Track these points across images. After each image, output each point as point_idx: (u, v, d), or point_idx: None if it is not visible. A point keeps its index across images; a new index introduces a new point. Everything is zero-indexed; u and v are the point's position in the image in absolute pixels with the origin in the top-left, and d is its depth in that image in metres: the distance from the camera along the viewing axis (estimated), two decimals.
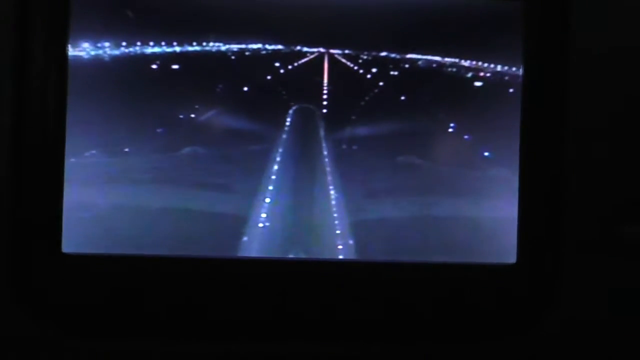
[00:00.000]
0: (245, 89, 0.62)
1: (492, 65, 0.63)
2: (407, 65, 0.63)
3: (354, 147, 0.63)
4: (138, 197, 0.62)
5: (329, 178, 0.63)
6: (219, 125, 0.62)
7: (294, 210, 0.63)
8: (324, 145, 0.63)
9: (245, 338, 0.62)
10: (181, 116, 0.62)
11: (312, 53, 0.62)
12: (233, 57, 0.62)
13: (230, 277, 0.61)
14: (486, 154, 0.63)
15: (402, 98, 0.63)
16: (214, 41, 0.62)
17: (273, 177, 0.63)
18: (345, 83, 0.63)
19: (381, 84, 0.63)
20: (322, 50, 0.62)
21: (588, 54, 0.61)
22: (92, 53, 0.61)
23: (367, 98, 0.63)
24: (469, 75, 0.63)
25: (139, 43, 0.61)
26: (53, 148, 0.60)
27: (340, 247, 0.63)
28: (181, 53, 0.62)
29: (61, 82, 0.60)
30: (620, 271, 0.61)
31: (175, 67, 0.61)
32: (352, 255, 0.63)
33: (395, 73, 0.63)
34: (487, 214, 0.63)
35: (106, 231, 0.61)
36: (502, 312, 0.62)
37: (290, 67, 0.62)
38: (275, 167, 0.63)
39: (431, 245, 0.63)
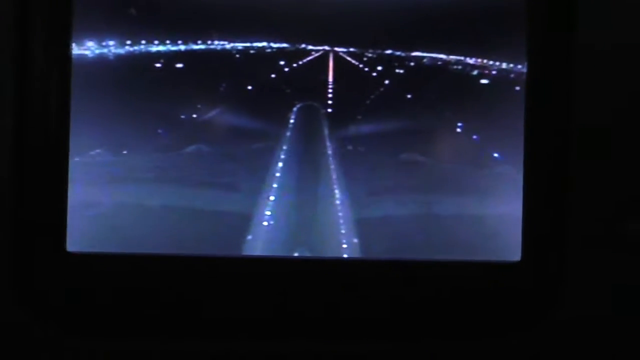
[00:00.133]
0: (250, 87, 0.62)
1: (497, 63, 0.63)
2: (412, 63, 0.63)
3: (359, 146, 0.63)
4: (141, 196, 0.62)
5: (334, 176, 0.63)
6: (223, 124, 0.62)
7: (299, 209, 0.63)
8: (328, 144, 0.63)
9: (249, 337, 0.62)
10: (185, 115, 0.62)
11: (317, 51, 0.62)
12: (238, 56, 0.62)
13: (235, 275, 0.61)
14: (495, 155, 0.63)
15: (409, 96, 0.63)
16: (219, 40, 0.62)
17: (277, 174, 0.63)
18: (350, 81, 0.63)
19: (387, 82, 0.63)
20: (327, 48, 0.62)
21: (592, 51, 0.61)
22: (97, 52, 0.61)
23: (372, 96, 0.63)
24: (475, 72, 0.63)
25: (143, 41, 0.61)
26: (57, 147, 0.60)
27: (344, 245, 0.63)
28: (186, 52, 0.62)
29: (64, 80, 0.60)
30: (625, 268, 0.61)
31: (179, 65, 0.61)
32: (356, 254, 0.63)
33: (401, 71, 0.63)
34: (493, 212, 0.63)
35: (110, 230, 0.61)
36: (507, 309, 0.62)
37: (295, 65, 0.62)
38: (280, 164, 0.63)
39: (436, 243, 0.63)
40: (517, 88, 0.62)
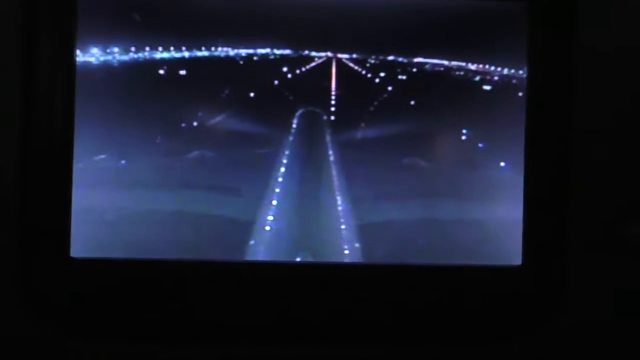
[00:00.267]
0: (253, 94, 0.63)
1: (499, 69, 0.63)
2: (415, 69, 0.63)
3: (363, 154, 0.63)
4: (144, 201, 0.62)
5: (336, 182, 0.64)
6: (227, 129, 0.63)
7: (301, 213, 0.63)
8: (330, 151, 0.63)
9: (252, 341, 0.62)
10: (189, 120, 0.62)
11: (320, 57, 0.63)
12: (241, 62, 0.62)
13: (237, 280, 0.61)
14: (502, 164, 0.64)
15: (412, 103, 0.64)
16: (223, 46, 0.62)
17: (280, 179, 0.63)
18: (353, 88, 0.63)
19: (390, 88, 0.63)
20: (329, 54, 0.62)
21: (593, 55, 0.61)
22: (102, 59, 0.61)
23: (376, 103, 0.63)
24: (477, 78, 0.63)
25: (147, 48, 0.61)
26: (61, 153, 0.60)
27: (346, 251, 0.63)
28: (190, 58, 0.62)
29: (69, 86, 0.60)
30: (626, 271, 0.61)
31: (183, 72, 0.62)
32: (358, 258, 0.63)
33: (404, 77, 0.63)
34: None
35: (114, 235, 0.62)
36: (509, 314, 0.63)
37: (298, 71, 0.63)
38: (282, 169, 0.63)
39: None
40: (520, 94, 0.63)
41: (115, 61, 0.61)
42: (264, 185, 0.63)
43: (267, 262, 0.63)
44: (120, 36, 0.61)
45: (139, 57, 0.61)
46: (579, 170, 0.61)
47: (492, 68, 0.63)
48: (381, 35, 0.63)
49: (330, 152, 0.63)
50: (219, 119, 0.62)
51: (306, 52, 0.62)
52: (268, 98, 0.63)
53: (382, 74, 0.63)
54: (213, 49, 0.62)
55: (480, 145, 0.64)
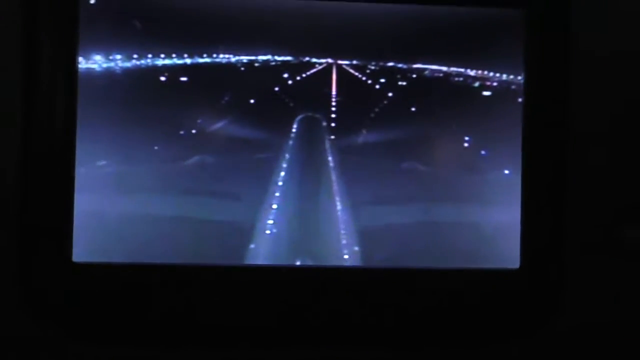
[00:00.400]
0: (254, 100, 0.63)
1: (497, 75, 0.64)
2: (414, 75, 0.63)
3: (363, 159, 0.64)
4: (145, 206, 0.62)
5: (335, 186, 0.64)
6: (228, 135, 0.63)
7: (300, 217, 0.64)
8: (329, 157, 0.64)
9: (253, 344, 0.62)
10: (190, 126, 0.62)
11: (320, 64, 0.63)
12: (242, 69, 0.63)
13: (238, 284, 0.62)
14: (501, 168, 0.64)
15: (412, 109, 0.64)
16: (224, 53, 0.63)
17: (280, 183, 0.64)
18: (354, 94, 0.63)
19: (390, 94, 0.63)
20: (330, 61, 0.63)
21: (589, 60, 0.62)
22: (104, 65, 0.61)
23: (376, 109, 0.63)
24: (477, 84, 0.64)
25: (150, 55, 0.62)
26: (63, 158, 0.60)
27: (346, 255, 0.64)
28: (191, 65, 0.62)
29: (70, 87, 0.60)
30: (623, 274, 0.62)
31: (184, 78, 0.62)
32: (357, 262, 0.63)
33: (404, 83, 0.63)
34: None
35: (115, 240, 0.62)
36: (507, 317, 0.63)
37: (298, 78, 0.63)
38: (282, 173, 0.64)
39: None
40: (519, 100, 0.64)
41: (117, 68, 0.61)
42: (264, 189, 0.63)
43: (267, 265, 0.63)
44: (122, 43, 0.61)
45: (141, 64, 0.62)
46: (576, 174, 0.62)
47: (491, 74, 0.64)
48: (381, 42, 0.63)
49: (330, 158, 0.64)
50: (220, 124, 0.63)
51: (307, 58, 0.63)
52: (269, 104, 0.63)
53: (382, 80, 0.63)
54: (214, 55, 0.62)
55: (479, 150, 0.64)
